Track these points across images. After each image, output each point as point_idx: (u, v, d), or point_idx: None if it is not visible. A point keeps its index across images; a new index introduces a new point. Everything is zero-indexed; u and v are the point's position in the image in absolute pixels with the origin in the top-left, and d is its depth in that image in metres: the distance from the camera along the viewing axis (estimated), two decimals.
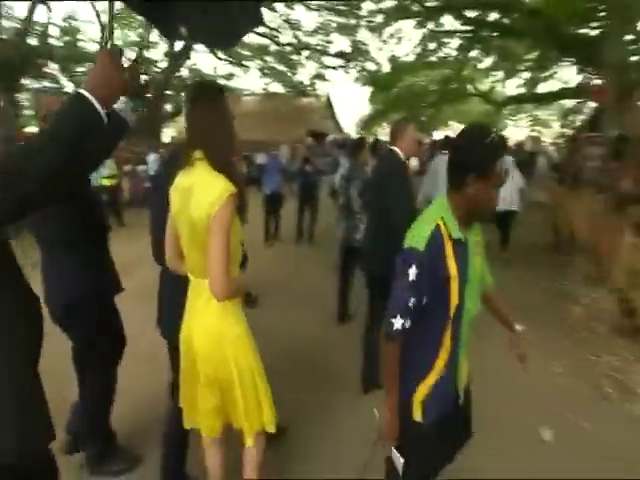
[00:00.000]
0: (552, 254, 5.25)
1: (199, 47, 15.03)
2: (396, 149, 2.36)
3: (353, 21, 11.78)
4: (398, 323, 1.11)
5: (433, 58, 12.58)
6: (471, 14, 9.53)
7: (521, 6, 8.58)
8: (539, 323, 3.11)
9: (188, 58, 15.51)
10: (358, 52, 13.30)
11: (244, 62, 16.54)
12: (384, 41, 12.00)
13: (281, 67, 15.59)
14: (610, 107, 6.24)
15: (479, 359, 1.71)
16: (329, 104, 23.71)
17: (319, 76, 15.13)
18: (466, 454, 1.41)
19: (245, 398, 1.33)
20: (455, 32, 11.14)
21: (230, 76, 17.20)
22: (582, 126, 11.55)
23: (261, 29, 13.85)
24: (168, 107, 16.49)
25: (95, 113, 0.86)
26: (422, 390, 1.19)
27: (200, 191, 1.21)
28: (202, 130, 1.28)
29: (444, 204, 1.16)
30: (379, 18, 11.12)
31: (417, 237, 1.12)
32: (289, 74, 15.82)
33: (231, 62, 16.85)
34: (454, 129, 25.69)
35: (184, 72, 16.29)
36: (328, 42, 13.21)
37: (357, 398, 2.44)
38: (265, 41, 14.63)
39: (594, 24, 8.59)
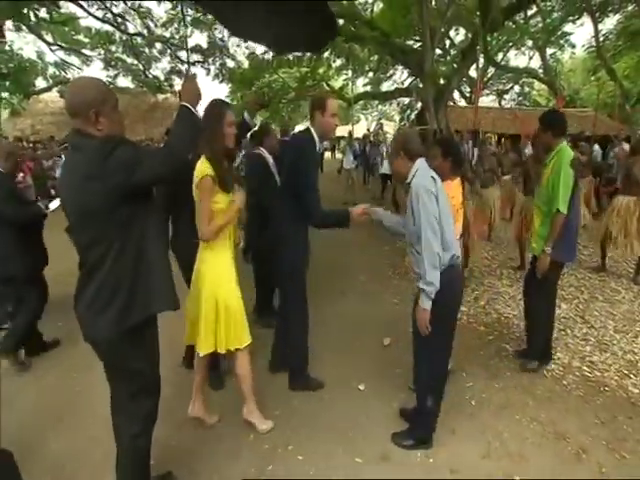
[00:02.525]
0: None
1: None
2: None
3: (210, 16, 11.60)
4: None
5: (290, 57, 13.40)
6: None
7: (361, 17, 10.03)
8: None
9: (1, 36, 12.53)
10: (216, 48, 13.13)
11: (83, 50, 14.45)
12: (244, 39, 12.20)
13: (131, 59, 14.20)
14: (428, 106, 8.00)
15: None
16: None
17: (176, 72, 14.34)
18: None
19: (206, 318, 1.91)
20: None
21: (64, 65, 14.75)
22: (413, 120, 14.16)
23: (101, 13, 12.38)
24: None
25: (195, 115, 1.49)
26: None
27: (196, 171, 1.90)
28: (201, 131, 1.84)
29: None
30: None
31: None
32: (141, 68, 14.49)
33: (63, 48, 14.48)
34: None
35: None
36: (184, 36, 12.63)
37: None
38: (109, 28, 13.08)
39: (417, 38, 10.62)
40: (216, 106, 1.98)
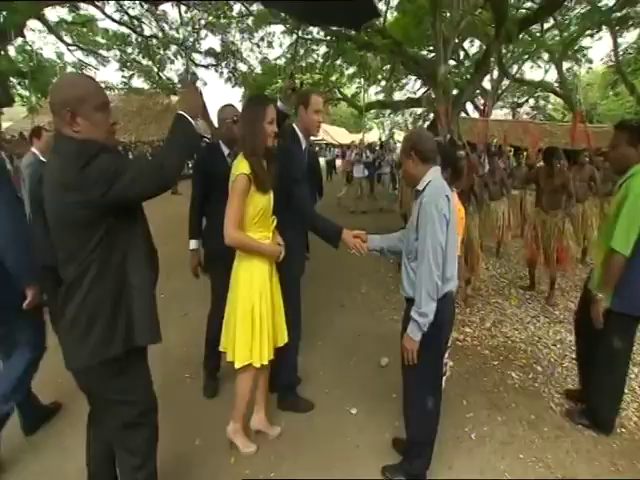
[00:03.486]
0: None
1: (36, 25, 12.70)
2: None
3: (224, 20, 11.69)
4: None
5: (303, 63, 13.43)
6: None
7: (374, 25, 9.96)
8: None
9: (22, 36, 12.74)
10: (229, 52, 13.21)
11: (100, 51, 14.67)
12: (257, 44, 12.27)
13: (146, 61, 14.37)
14: (440, 116, 7.84)
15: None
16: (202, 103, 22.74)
17: (190, 73, 14.44)
18: None
19: (242, 328, 1.82)
20: (321, 41, 12.19)
21: (82, 65, 14.99)
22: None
23: (117, 16, 12.57)
24: None
25: (192, 127, 1.34)
26: None
27: (233, 168, 1.81)
28: (239, 128, 1.91)
29: None
30: (249, 21, 11.36)
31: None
32: (155, 69, 14.66)
33: (81, 48, 14.75)
34: (324, 130, 27.89)
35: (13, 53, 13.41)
36: (198, 39, 12.75)
37: None
38: (125, 30, 13.27)
39: (430, 48, 10.51)
40: (257, 102, 1.87)
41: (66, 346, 1.33)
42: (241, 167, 1.75)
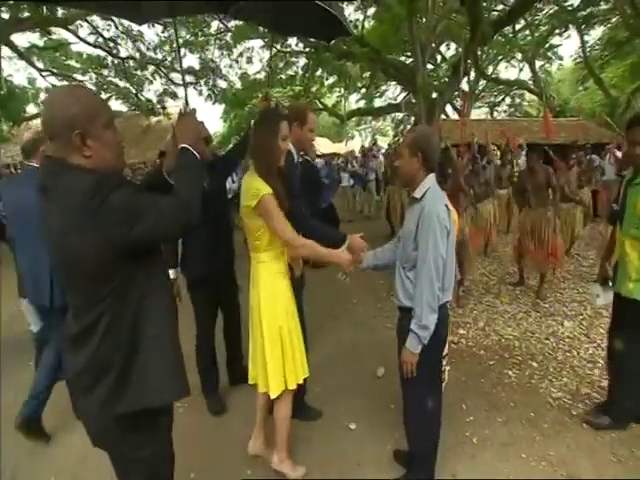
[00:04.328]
0: None
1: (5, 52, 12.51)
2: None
3: (202, 38, 11.74)
4: None
5: (283, 76, 13.54)
6: None
7: (352, 34, 10.11)
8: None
9: None
10: (208, 69, 13.22)
11: (75, 75, 14.49)
12: (236, 60, 12.32)
13: (123, 83, 14.25)
14: (420, 121, 7.98)
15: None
16: None
17: (169, 93, 14.37)
18: None
19: (271, 353, 1.74)
20: (300, 53, 12.34)
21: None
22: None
23: (92, 38, 12.53)
24: None
25: (197, 159, 1.23)
26: None
27: (245, 188, 1.71)
28: (252, 146, 1.77)
29: None
30: (228, 37, 11.42)
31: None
32: (133, 91, 14.51)
33: (54, 73, 14.52)
34: None
35: None
36: (175, 58, 12.71)
37: None
38: (101, 52, 13.20)
39: (408, 53, 10.71)
40: (271, 118, 1.77)
41: (72, 394, 1.21)
42: (261, 188, 1.64)
